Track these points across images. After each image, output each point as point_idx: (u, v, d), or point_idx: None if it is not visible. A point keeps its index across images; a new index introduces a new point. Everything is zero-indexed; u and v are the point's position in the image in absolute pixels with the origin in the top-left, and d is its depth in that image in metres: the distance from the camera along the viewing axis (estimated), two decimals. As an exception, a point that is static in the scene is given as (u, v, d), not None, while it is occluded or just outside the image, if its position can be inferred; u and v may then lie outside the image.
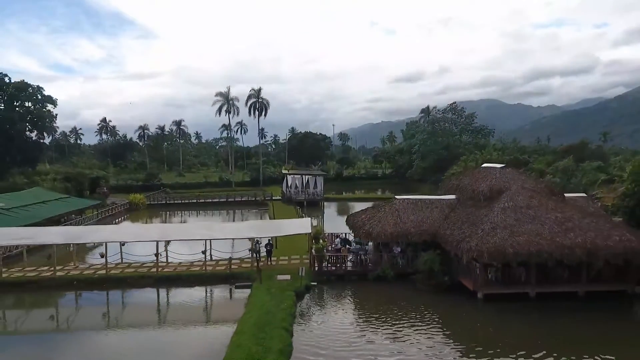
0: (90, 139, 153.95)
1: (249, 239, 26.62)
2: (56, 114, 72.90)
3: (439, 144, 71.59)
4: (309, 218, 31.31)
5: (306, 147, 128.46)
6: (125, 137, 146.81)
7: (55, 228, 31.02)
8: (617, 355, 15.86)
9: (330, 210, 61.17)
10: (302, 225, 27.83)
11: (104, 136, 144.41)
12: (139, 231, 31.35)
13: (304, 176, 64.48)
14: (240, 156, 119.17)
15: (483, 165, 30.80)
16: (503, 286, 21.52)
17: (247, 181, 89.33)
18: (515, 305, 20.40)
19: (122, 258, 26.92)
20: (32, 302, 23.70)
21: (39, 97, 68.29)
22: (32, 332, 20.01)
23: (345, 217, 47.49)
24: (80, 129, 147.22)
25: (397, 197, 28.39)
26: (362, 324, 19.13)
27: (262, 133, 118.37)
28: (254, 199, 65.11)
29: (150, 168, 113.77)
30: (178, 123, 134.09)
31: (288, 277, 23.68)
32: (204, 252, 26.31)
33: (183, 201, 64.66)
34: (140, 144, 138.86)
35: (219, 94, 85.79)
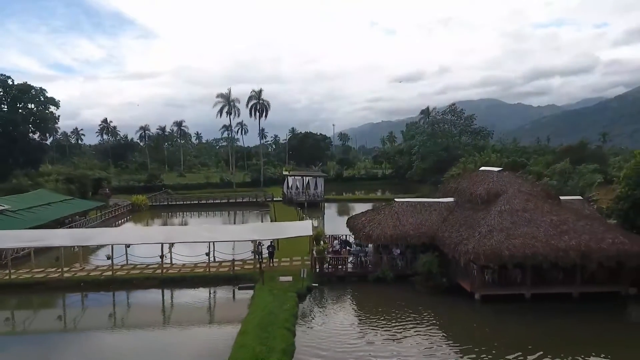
0: (90, 139, 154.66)
1: (252, 241, 27.17)
2: (59, 116, 73.55)
3: (438, 145, 72.16)
4: (310, 220, 31.86)
5: (306, 148, 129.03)
6: (126, 137, 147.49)
7: (63, 231, 31.61)
8: (612, 356, 16.39)
9: (330, 210, 61.70)
10: (303, 227, 28.39)
11: (105, 136, 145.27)
12: (144, 233, 31.92)
13: (304, 177, 64.97)
14: (241, 156, 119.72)
15: (481, 169, 31.36)
16: (499, 287, 22.08)
17: (247, 182, 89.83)
18: (511, 306, 20.92)
19: (127, 260, 27.48)
20: (40, 302, 24.27)
21: (42, 98, 68.82)
22: (39, 332, 20.55)
23: (346, 217, 48.12)
24: (82, 129, 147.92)
25: (396, 199, 28.95)
26: (362, 324, 19.65)
27: (262, 133, 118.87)
28: (255, 200, 65.64)
29: (151, 169, 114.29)
30: (179, 124, 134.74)
31: (290, 278, 24.23)
32: (207, 254, 26.86)
33: (185, 202, 65.17)
34: (141, 144, 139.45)
35: (220, 95, 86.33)
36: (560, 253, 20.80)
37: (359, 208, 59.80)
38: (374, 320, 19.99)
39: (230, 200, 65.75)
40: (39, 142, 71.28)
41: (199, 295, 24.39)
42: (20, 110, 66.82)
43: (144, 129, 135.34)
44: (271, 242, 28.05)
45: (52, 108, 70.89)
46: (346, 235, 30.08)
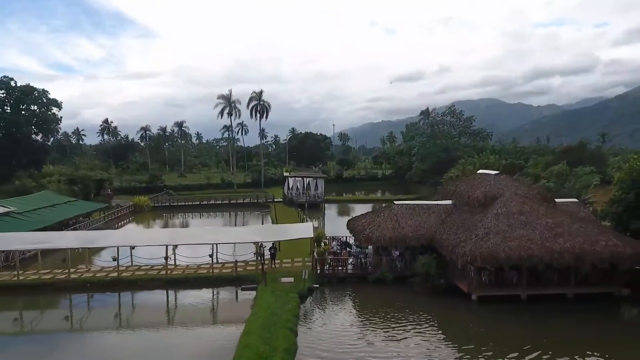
0: (90, 139, 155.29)
1: (254, 243, 27.73)
2: (61, 117, 74.09)
3: (438, 147, 72.79)
4: (311, 222, 32.41)
5: (306, 148, 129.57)
6: (126, 137, 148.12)
7: (70, 233, 32.19)
8: (608, 355, 16.88)
9: (330, 211, 62.26)
10: (304, 229, 28.94)
11: (106, 137, 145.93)
12: (149, 235, 32.49)
13: (304, 178, 65.50)
14: (241, 157, 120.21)
15: (478, 172, 31.95)
16: (496, 288, 22.63)
17: (248, 182, 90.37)
18: (507, 307, 21.45)
19: (132, 261, 28.05)
20: (47, 303, 24.77)
21: (44, 100, 69.35)
22: (46, 332, 21.11)
23: (346, 218, 48.73)
24: (83, 130, 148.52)
25: (395, 202, 29.50)
26: (362, 325, 20.18)
27: (262, 133, 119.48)
28: (256, 201, 66.19)
29: (152, 169, 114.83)
30: (180, 124, 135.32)
31: (291, 279, 24.78)
32: (211, 256, 27.41)
33: (186, 203, 65.71)
34: (142, 144, 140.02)
35: (221, 96, 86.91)
36: (555, 255, 21.38)
37: (359, 209, 60.40)
38: (374, 320, 20.53)
39: (232, 201, 66.27)
40: (42, 143, 71.85)
41: (203, 296, 24.95)
42: (23, 112, 67.33)
43: (145, 129, 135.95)
44: (273, 243, 28.59)
45: (55, 109, 71.41)
46: (346, 237, 30.65)
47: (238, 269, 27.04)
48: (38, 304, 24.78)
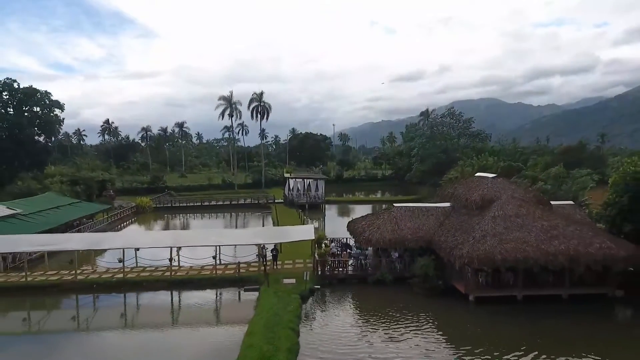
0: (90, 139, 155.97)
1: (257, 245, 28.30)
2: (63, 118, 74.73)
3: (437, 148, 73.37)
4: (312, 225, 32.95)
5: (307, 148, 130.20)
6: (127, 138, 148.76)
7: (77, 235, 32.82)
8: (602, 355, 17.37)
9: (331, 212, 62.82)
10: (306, 231, 29.48)
11: (106, 137, 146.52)
12: (153, 237, 33.02)
13: (305, 180, 66.10)
14: (242, 157, 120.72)
15: (476, 175, 32.50)
16: (493, 289, 23.18)
17: (249, 183, 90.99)
18: (504, 308, 21.99)
19: (137, 262, 28.63)
20: (54, 303, 25.32)
21: (47, 102, 69.96)
22: (53, 331, 21.66)
23: (346, 218, 49.35)
24: (84, 130, 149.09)
25: (395, 205, 30.03)
26: (362, 325, 20.72)
27: (263, 134, 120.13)
28: (257, 201, 66.77)
29: (152, 169, 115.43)
30: (181, 125, 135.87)
31: (293, 280, 25.36)
32: (214, 257, 27.99)
33: (188, 204, 66.30)
34: (142, 144, 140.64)
35: (222, 97, 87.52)
36: (550, 257, 21.90)
37: (359, 209, 61.05)
38: (374, 321, 21.08)
39: (233, 202, 66.85)
40: (44, 145, 72.49)
41: (206, 296, 25.50)
42: (26, 114, 67.93)
43: (146, 129, 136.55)
44: (275, 245, 29.15)
45: (57, 111, 72.00)
46: (346, 238, 31.21)
47: (240, 270, 27.60)
48: (45, 304, 25.31)
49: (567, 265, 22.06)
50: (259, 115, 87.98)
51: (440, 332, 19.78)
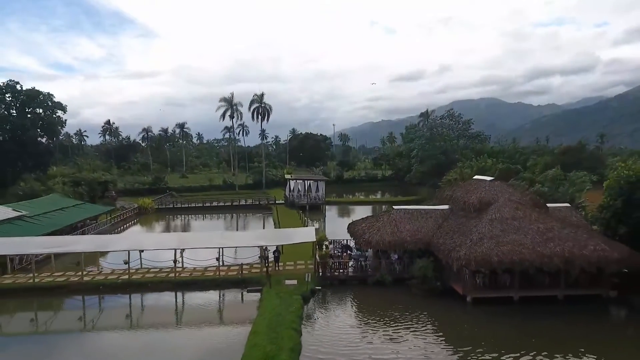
0: (91, 139, 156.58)
1: (259, 247, 28.86)
2: (65, 120, 75.19)
3: (437, 149, 73.94)
4: (313, 227, 33.49)
5: (307, 148, 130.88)
6: (128, 138, 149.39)
7: (84, 237, 33.39)
8: (597, 355, 17.94)
9: (331, 213, 63.35)
10: (307, 233, 30.05)
11: (107, 137, 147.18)
12: (158, 239, 33.55)
13: (306, 181, 66.68)
14: (242, 157, 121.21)
15: (474, 177, 33.07)
16: (490, 290, 23.73)
17: (250, 184, 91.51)
18: (500, 308, 22.53)
19: (141, 264, 29.19)
20: (61, 304, 25.89)
21: (50, 103, 70.44)
22: (61, 331, 22.24)
23: (346, 219, 49.87)
24: (85, 131, 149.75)
25: (394, 207, 30.57)
26: (362, 325, 21.27)
27: (263, 134, 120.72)
28: (258, 202, 67.31)
29: (153, 169, 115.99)
30: (181, 125, 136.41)
31: (295, 282, 25.91)
32: (217, 259, 28.54)
33: (190, 205, 66.84)
34: (143, 144, 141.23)
35: (223, 99, 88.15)
36: (546, 259, 22.48)
37: (359, 210, 61.61)
38: (374, 321, 21.63)
39: (234, 203, 67.38)
40: (47, 146, 72.98)
41: (210, 297, 26.06)
42: (29, 115, 68.45)
43: (147, 130, 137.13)
44: (277, 247, 29.70)
45: (59, 112, 72.50)
46: (347, 240, 31.77)
47: (243, 272, 28.15)
48: (53, 305, 25.88)
49: (562, 267, 22.62)
50: (259, 117, 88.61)
51: (439, 333, 20.30)
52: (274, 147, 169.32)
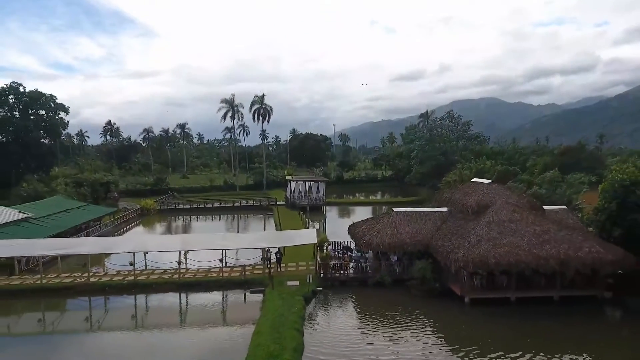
0: (91, 138, 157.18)
1: (262, 248, 29.41)
2: (68, 121, 75.78)
3: (436, 150, 74.52)
4: (314, 229, 34.03)
5: (307, 149, 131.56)
6: (129, 139, 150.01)
7: (90, 239, 33.98)
8: (592, 354, 18.43)
9: (331, 213, 63.90)
10: (309, 235, 30.63)
11: (108, 138, 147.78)
12: (162, 241, 34.14)
13: (306, 182, 67.26)
14: (243, 157, 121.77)
15: (472, 180, 33.61)
16: (487, 291, 24.26)
17: (250, 185, 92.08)
18: (497, 309, 23.03)
19: (146, 265, 29.75)
20: (68, 305, 26.42)
21: (52, 105, 71.00)
22: (68, 331, 22.79)
23: (346, 219, 50.33)
24: (86, 131, 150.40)
25: (394, 209, 31.10)
26: (363, 326, 21.78)
27: (264, 134, 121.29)
28: (259, 203, 67.86)
29: (154, 170, 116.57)
30: (182, 126, 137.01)
31: (297, 283, 26.46)
32: (221, 261, 29.09)
33: (191, 206, 67.38)
34: (144, 145, 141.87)
35: (224, 100, 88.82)
36: (542, 261, 22.98)
37: (359, 211, 62.22)
38: (374, 322, 22.16)
39: (235, 204, 67.91)
40: (50, 148, 73.52)
41: (214, 298, 26.60)
42: (32, 117, 68.99)
43: (148, 130, 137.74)
44: (278, 248, 30.24)
45: (62, 114, 73.06)
46: (347, 241, 32.31)
47: (246, 273, 28.69)
48: (60, 306, 26.43)
49: (558, 269, 23.12)
50: (260, 118, 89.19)
51: (437, 333, 20.82)
52: (274, 147, 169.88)
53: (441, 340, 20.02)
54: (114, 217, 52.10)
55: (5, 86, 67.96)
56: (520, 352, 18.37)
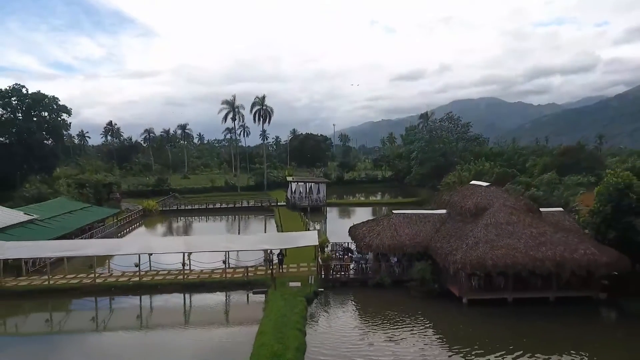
0: (92, 138, 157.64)
1: (264, 250, 29.95)
2: (70, 123, 76.32)
3: (436, 151, 75.11)
4: (316, 231, 34.58)
5: (307, 149, 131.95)
6: (130, 139, 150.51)
7: (96, 241, 34.57)
8: (588, 353, 18.93)
9: (332, 214, 64.41)
10: (310, 237, 31.19)
11: (109, 138, 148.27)
12: (167, 243, 34.71)
13: (307, 183, 67.79)
14: (243, 157, 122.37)
15: (471, 183, 34.17)
16: (485, 292, 24.80)
17: (251, 185, 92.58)
18: (495, 309, 23.55)
19: (150, 266, 30.31)
20: (75, 305, 26.92)
21: (55, 107, 71.49)
22: (75, 331, 23.34)
23: (346, 220, 50.82)
24: (87, 132, 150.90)
25: (394, 212, 31.63)
26: (363, 326, 22.31)
27: (264, 135, 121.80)
28: (260, 204, 68.37)
29: (155, 170, 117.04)
30: (183, 127, 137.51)
31: (298, 284, 27.00)
32: (224, 262, 29.64)
33: (193, 207, 67.88)
34: (144, 145, 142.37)
35: (225, 102, 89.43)
36: (538, 262, 23.54)
37: (359, 212, 62.80)
38: (374, 322, 22.69)
39: (237, 205, 68.41)
40: (52, 149, 74.01)
41: (217, 299, 27.15)
42: (34, 119, 69.51)
43: (149, 131, 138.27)
44: (280, 250, 30.79)
45: (64, 115, 73.59)
46: (348, 243, 32.88)
47: (248, 274, 29.23)
48: (66, 306, 26.95)
49: (553, 270, 23.66)
50: (261, 119, 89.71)
51: (436, 333, 21.35)
52: (275, 147, 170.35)
53: (440, 340, 20.49)
54: (117, 219, 52.64)
55: (8, 88, 68.48)
56: (517, 352, 18.86)
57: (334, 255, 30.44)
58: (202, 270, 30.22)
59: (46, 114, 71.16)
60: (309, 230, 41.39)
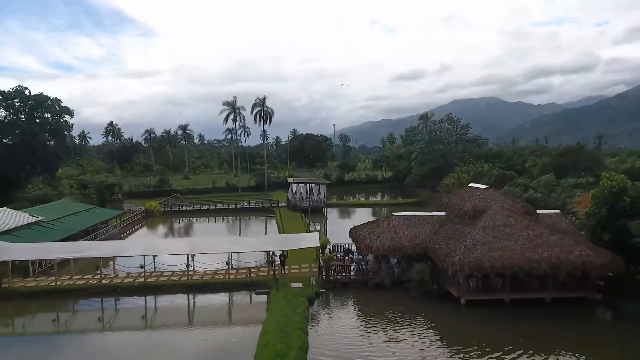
0: (92, 138, 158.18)
1: (266, 252, 30.49)
2: (72, 124, 76.85)
3: (436, 153, 75.59)
4: (317, 232, 35.13)
5: (307, 149, 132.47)
6: (131, 139, 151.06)
7: (102, 243, 35.10)
8: (584, 353, 19.40)
9: (332, 215, 64.89)
10: (312, 239, 31.73)
11: (110, 138, 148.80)
12: (171, 245, 35.25)
13: (307, 184, 68.29)
14: (244, 157, 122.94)
15: (469, 185, 34.70)
16: (482, 293, 25.33)
17: (252, 186, 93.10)
18: (492, 310, 24.09)
19: (155, 267, 30.86)
20: (82, 305, 27.37)
21: (57, 108, 72.01)
22: (81, 331, 23.86)
23: (347, 220, 51.31)
24: (89, 132, 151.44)
25: (394, 214, 32.19)
26: (364, 327, 22.83)
27: (265, 135, 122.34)
28: (261, 205, 68.88)
29: (155, 170, 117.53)
30: (184, 127, 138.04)
31: (300, 284, 27.54)
32: (227, 263, 30.19)
33: (195, 208, 68.40)
34: (145, 145, 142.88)
35: (226, 103, 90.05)
36: (534, 264, 24.07)
37: (360, 212, 63.32)
38: (374, 322, 23.23)
39: (238, 206, 68.91)
40: (55, 150, 74.53)
41: (221, 299, 27.68)
42: (37, 120, 70.04)
43: (150, 132, 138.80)
44: (282, 251, 31.33)
45: (67, 117, 74.11)
46: (348, 244, 33.42)
47: (251, 275, 29.79)
48: (73, 307, 27.46)
49: (550, 271, 24.21)
50: (262, 120, 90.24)
51: (435, 333, 21.86)
52: (275, 147, 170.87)
53: (439, 340, 20.98)
54: (120, 220, 53.18)
55: (11, 90, 69.00)
56: (515, 352, 19.34)
57: (334, 257, 30.96)
58: (205, 272, 30.77)
59: (49, 115, 71.63)
60: (309, 231, 41.91)
